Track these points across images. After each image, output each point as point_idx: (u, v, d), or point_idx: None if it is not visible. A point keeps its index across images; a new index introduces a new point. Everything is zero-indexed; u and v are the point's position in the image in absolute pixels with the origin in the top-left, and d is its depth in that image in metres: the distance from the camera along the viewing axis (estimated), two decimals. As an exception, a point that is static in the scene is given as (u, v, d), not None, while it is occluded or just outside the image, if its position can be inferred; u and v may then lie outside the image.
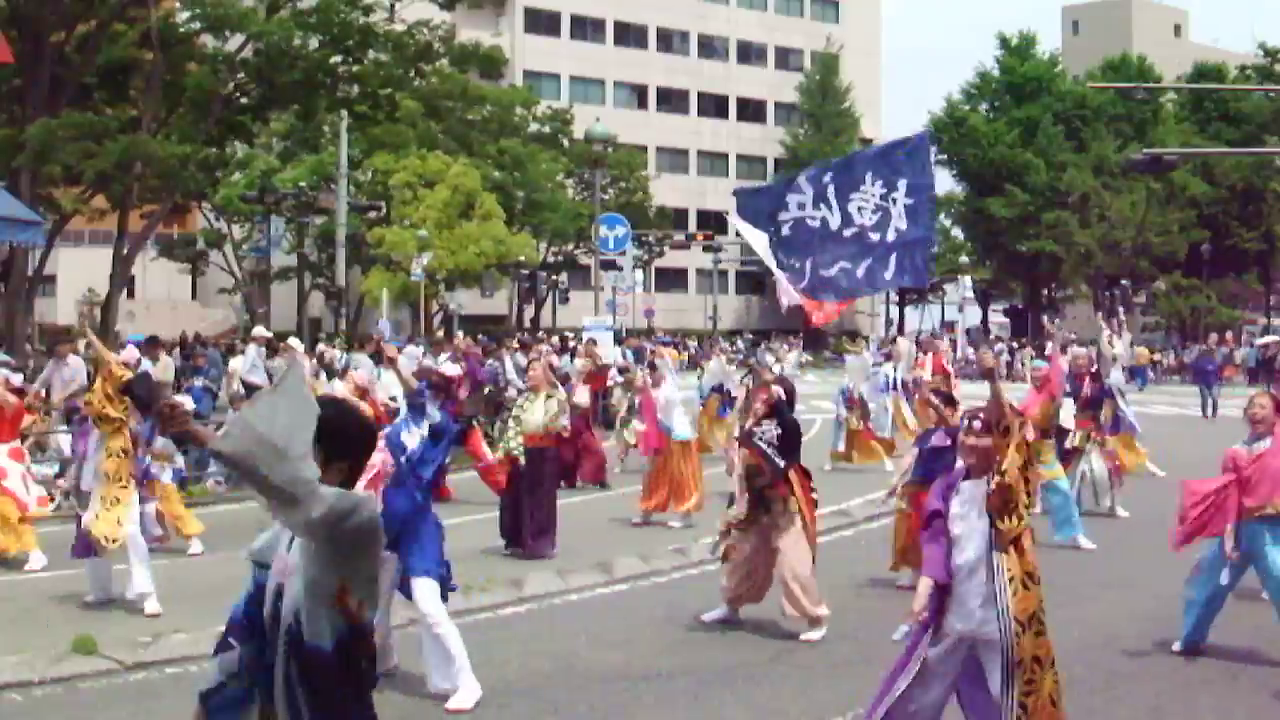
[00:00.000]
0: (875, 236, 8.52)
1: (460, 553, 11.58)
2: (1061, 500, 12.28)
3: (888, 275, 8.71)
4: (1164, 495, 8.23)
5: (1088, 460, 13.56)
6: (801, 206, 8.68)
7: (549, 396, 11.95)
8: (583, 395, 17.11)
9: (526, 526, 11.67)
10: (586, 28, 72.30)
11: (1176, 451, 17.30)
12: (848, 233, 8.54)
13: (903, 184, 8.55)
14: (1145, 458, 16.67)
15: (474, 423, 14.72)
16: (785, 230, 8.73)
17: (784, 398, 8.91)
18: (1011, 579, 5.53)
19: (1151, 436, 17.11)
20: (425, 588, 7.28)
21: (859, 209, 8.57)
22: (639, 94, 74.43)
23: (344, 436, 3.50)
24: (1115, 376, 15.02)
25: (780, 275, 8.86)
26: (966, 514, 5.62)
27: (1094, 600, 9.89)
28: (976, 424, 5.77)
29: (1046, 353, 17.60)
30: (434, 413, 7.86)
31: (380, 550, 3.50)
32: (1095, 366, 14.33)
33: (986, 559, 5.55)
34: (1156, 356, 49.95)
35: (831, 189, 8.66)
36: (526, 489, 11.65)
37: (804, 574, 8.63)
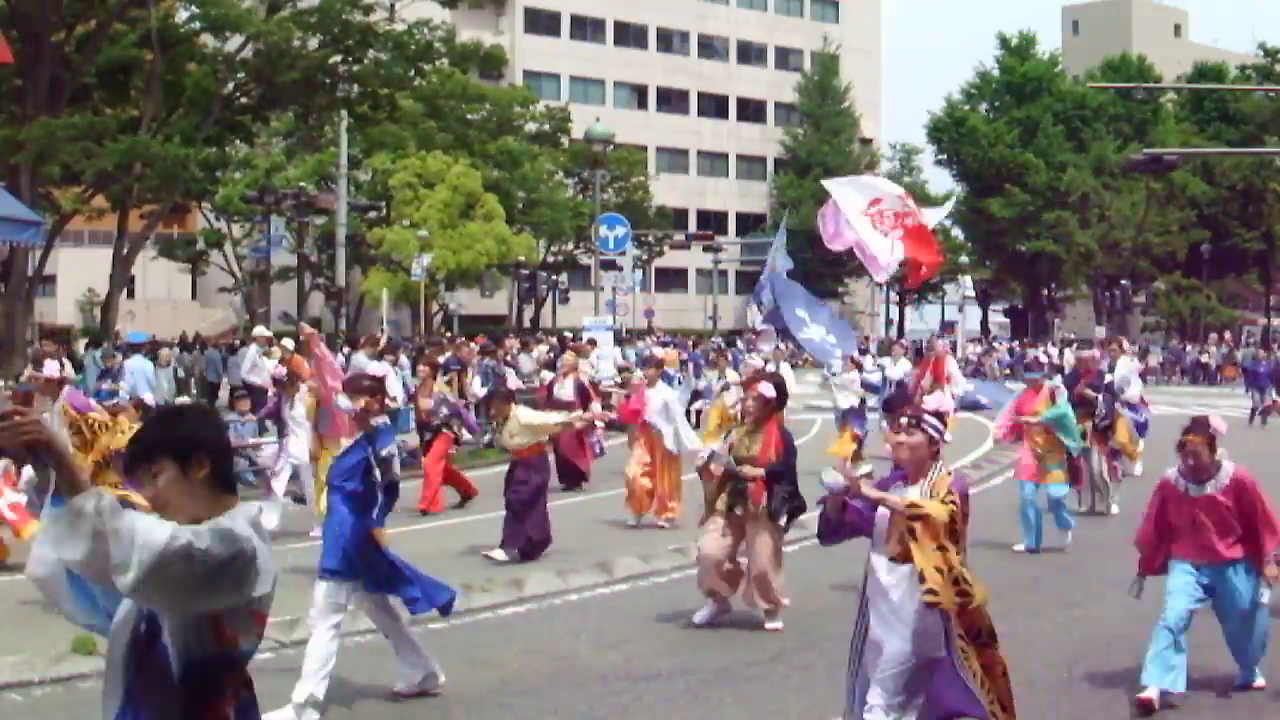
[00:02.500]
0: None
1: (461, 553, 11.62)
2: (1035, 511, 11.99)
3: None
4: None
5: (1088, 459, 13.49)
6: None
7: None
8: (566, 390, 16.40)
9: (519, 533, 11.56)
10: (586, 28, 72.29)
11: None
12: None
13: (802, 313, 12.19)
14: (1139, 458, 16.84)
15: (446, 428, 14.59)
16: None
17: (774, 395, 9.01)
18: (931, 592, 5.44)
19: (1155, 438, 17.16)
20: (316, 589, 7.26)
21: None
22: (639, 94, 74.43)
23: (186, 441, 3.19)
24: (1130, 392, 15.69)
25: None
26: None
27: (1094, 600, 9.89)
28: (904, 419, 5.78)
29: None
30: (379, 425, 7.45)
31: (249, 582, 3.08)
32: (1102, 370, 14.54)
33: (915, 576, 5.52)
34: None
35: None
36: (511, 498, 11.60)
37: (773, 564, 8.81)
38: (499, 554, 11.43)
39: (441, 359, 21.40)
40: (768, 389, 8.99)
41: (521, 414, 11.84)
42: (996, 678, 5.52)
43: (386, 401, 13.82)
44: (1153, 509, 7.47)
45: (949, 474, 5.78)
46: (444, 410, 14.61)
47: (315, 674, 6.98)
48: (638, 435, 13.70)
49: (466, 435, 15.76)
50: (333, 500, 7.35)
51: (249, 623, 3.19)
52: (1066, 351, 34.64)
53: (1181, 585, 7.24)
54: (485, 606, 9.74)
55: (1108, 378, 14.99)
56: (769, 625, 8.89)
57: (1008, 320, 75.89)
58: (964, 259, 71.25)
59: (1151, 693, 6.98)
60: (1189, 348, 47.97)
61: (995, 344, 54.40)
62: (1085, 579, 10.55)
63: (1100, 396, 14.36)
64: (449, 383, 16.70)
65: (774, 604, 8.89)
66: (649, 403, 13.49)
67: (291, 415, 12.78)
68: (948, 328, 60.85)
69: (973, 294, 71.74)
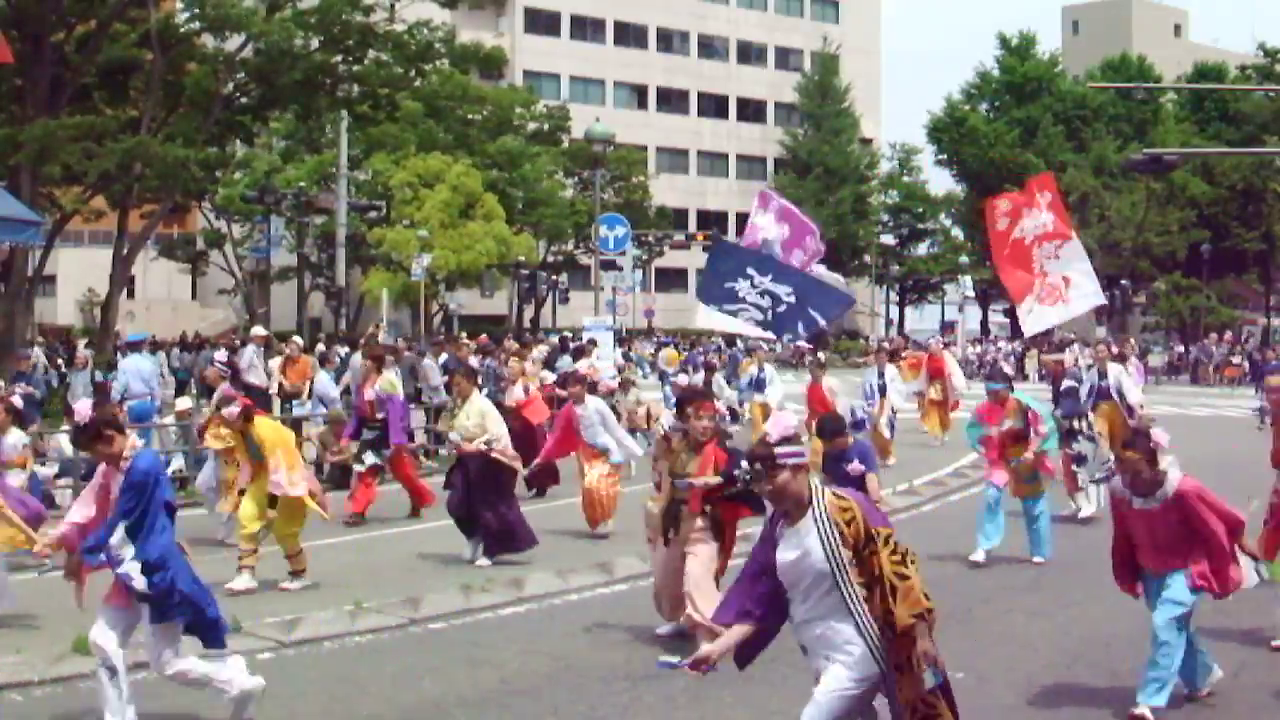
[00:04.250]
0: (782, 308, 10.31)
1: (460, 553, 11.61)
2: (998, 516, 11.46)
3: (820, 321, 10.56)
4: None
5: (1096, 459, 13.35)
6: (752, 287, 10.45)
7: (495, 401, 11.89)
8: (518, 393, 15.61)
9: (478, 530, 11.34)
10: (586, 28, 72.30)
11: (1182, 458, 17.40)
12: (769, 316, 10.39)
13: (751, 270, 10.33)
14: None
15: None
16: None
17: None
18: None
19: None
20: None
21: (755, 303, 10.41)
22: (639, 94, 74.43)
23: None
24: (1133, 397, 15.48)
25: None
26: (799, 561, 4.95)
27: (1094, 600, 9.88)
28: (757, 465, 4.99)
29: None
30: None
31: None
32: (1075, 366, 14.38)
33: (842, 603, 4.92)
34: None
35: (734, 299, 10.55)
36: (473, 496, 11.33)
37: (704, 581, 8.12)
38: (483, 560, 11.22)
39: (441, 358, 21.40)
40: (720, 408, 8.70)
41: (482, 401, 11.72)
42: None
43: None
44: (1115, 526, 7.31)
45: (838, 496, 5.01)
46: (384, 407, 13.81)
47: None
48: (583, 456, 12.78)
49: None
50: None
51: None
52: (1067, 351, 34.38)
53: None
54: (485, 606, 9.74)
55: (1067, 383, 14.93)
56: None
57: (1008, 320, 75.87)
58: (964, 259, 71.25)
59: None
60: (1216, 347, 47.65)
61: (997, 343, 54.40)
62: (1085, 579, 10.53)
63: (1067, 399, 14.23)
64: (448, 384, 16.62)
65: (698, 623, 7.95)
66: (579, 420, 12.57)
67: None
68: (948, 328, 60.89)
69: (973, 294, 71.73)
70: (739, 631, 5.02)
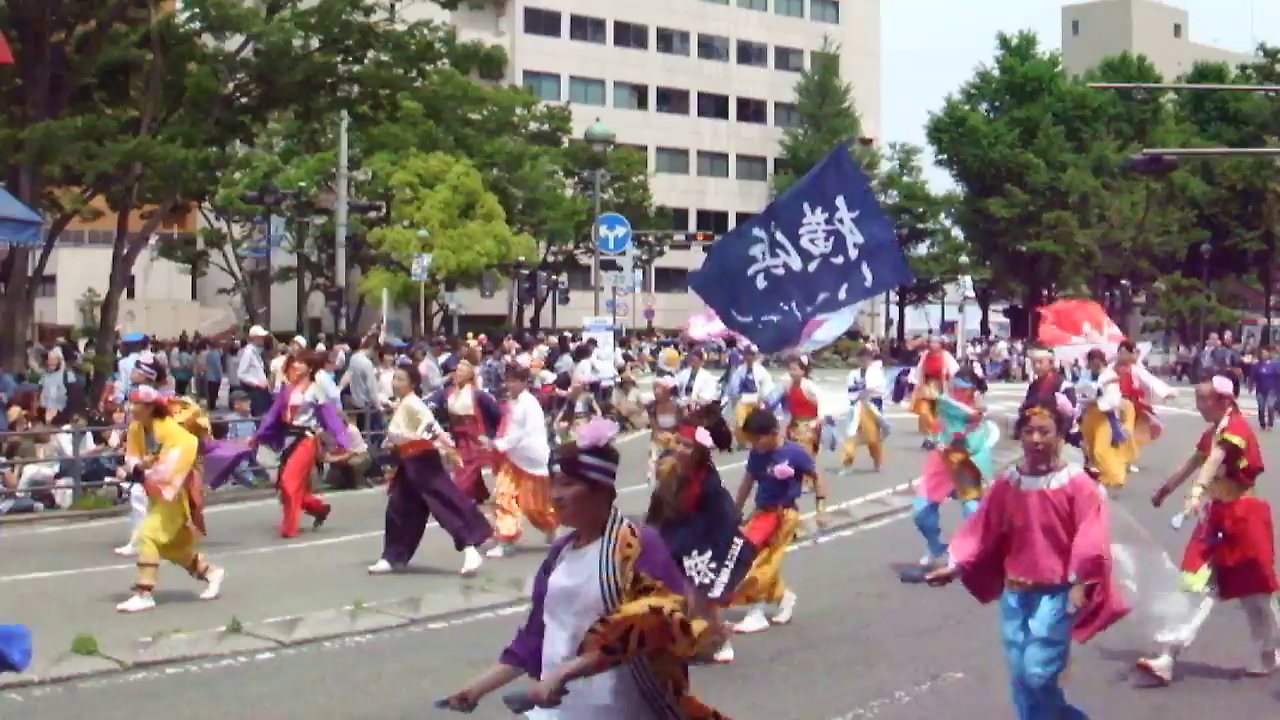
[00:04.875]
0: (838, 260, 8.14)
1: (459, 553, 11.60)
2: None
3: (868, 284, 8.22)
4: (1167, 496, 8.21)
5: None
6: (763, 256, 8.31)
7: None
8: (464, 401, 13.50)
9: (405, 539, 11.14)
10: (586, 28, 72.31)
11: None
12: (811, 267, 8.20)
13: (841, 201, 8.11)
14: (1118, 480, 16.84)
15: (310, 434, 13.23)
16: (760, 282, 8.33)
17: (712, 443, 8.12)
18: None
19: (1154, 444, 17.20)
20: None
21: (811, 241, 8.20)
22: (639, 94, 74.43)
23: None
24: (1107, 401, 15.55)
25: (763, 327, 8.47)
26: (576, 589, 4.18)
27: (1094, 600, 9.88)
28: (556, 467, 4.25)
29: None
30: None
31: None
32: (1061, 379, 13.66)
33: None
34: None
35: (780, 233, 8.29)
36: (412, 504, 11.14)
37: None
38: (472, 562, 10.99)
39: (442, 358, 21.42)
40: (704, 437, 8.00)
41: (415, 403, 11.37)
42: None
43: (389, 402, 13.77)
44: (985, 517, 6.11)
45: (631, 532, 4.17)
46: (309, 414, 13.23)
47: None
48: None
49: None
50: None
51: None
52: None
53: (1011, 634, 6.09)
54: (485, 606, 9.74)
55: (1065, 384, 14.84)
56: (718, 656, 8.07)
57: (1008, 320, 75.88)
58: (964, 259, 71.28)
59: None
60: (1234, 347, 47.55)
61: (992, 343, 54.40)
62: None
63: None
64: (448, 383, 16.47)
65: (719, 632, 7.97)
66: (512, 415, 11.99)
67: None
68: (948, 327, 60.90)
69: (973, 294, 71.74)
70: (500, 672, 4.30)
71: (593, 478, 4.19)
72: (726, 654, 8.20)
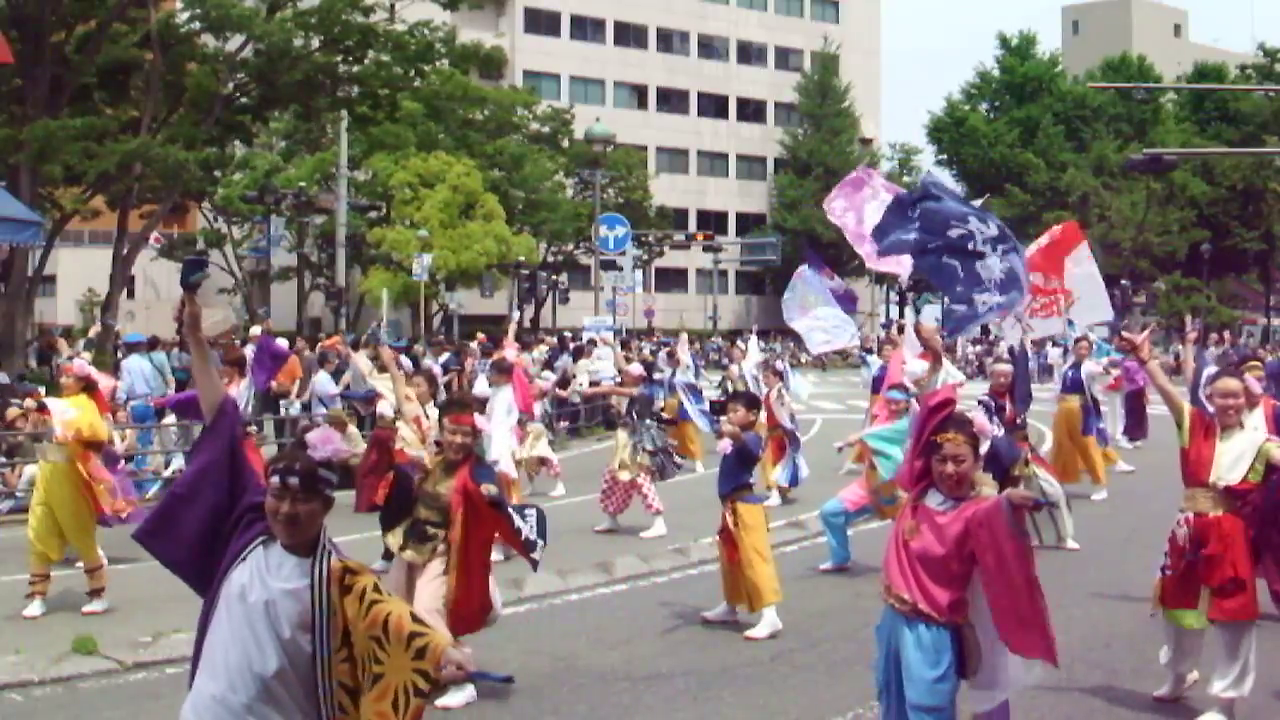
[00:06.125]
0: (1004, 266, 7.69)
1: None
2: None
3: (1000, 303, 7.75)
4: (1166, 496, 8.21)
5: (1036, 484, 11.18)
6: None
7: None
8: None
9: None
10: (586, 28, 72.29)
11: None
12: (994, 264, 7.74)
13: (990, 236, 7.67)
14: (1115, 458, 16.86)
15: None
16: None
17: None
18: None
19: (1155, 440, 17.21)
20: None
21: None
22: (639, 94, 74.42)
23: None
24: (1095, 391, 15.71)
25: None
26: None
27: (1094, 600, 9.89)
28: (314, 450, 3.81)
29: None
30: None
31: None
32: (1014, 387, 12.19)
33: None
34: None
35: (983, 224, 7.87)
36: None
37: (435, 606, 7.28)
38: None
39: (442, 358, 21.41)
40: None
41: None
42: None
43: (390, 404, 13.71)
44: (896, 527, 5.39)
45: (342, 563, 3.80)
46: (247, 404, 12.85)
47: None
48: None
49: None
50: None
51: None
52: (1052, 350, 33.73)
53: (880, 659, 5.45)
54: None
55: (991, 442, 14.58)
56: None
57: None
58: (964, 259, 71.22)
59: None
60: (1237, 345, 47.50)
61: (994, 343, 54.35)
62: (1085, 579, 10.54)
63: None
64: (449, 384, 16.44)
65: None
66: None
67: None
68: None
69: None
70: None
71: (328, 495, 3.83)
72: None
